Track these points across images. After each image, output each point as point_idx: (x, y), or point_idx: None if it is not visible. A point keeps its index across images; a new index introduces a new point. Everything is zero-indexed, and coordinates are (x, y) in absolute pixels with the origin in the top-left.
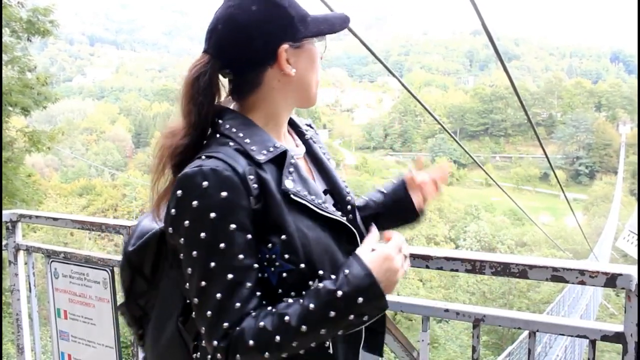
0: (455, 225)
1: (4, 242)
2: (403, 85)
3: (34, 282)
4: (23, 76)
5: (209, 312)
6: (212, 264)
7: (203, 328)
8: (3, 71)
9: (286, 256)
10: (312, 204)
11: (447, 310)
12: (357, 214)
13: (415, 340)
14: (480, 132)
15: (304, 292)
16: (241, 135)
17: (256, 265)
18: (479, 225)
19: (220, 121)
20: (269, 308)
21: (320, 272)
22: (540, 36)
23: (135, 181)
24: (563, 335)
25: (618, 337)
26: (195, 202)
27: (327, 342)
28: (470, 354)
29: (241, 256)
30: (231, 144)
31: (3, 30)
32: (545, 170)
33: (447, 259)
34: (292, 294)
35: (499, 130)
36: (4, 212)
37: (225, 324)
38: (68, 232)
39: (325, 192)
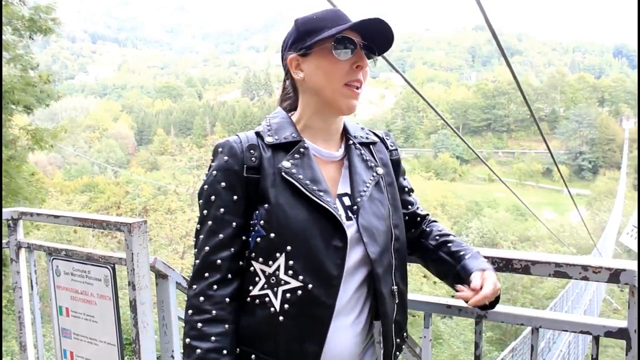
0: (458, 221)
1: (5, 240)
2: (406, 81)
3: (35, 280)
4: (25, 74)
5: (195, 250)
6: (205, 211)
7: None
8: (5, 69)
9: (262, 223)
10: (299, 184)
11: (449, 307)
12: (368, 219)
13: (418, 337)
14: (483, 127)
15: (270, 262)
16: (269, 125)
17: (235, 224)
18: (482, 221)
19: (267, 115)
20: (226, 299)
21: (289, 247)
22: (542, 31)
23: (138, 178)
24: (566, 331)
25: (622, 333)
26: (212, 164)
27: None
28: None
29: (222, 210)
30: (258, 128)
31: (5, 29)
32: (548, 166)
33: None
34: (260, 259)
35: (502, 126)
36: (5, 209)
37: (197, 262)
38: (71, 229)
39: (343, 195)
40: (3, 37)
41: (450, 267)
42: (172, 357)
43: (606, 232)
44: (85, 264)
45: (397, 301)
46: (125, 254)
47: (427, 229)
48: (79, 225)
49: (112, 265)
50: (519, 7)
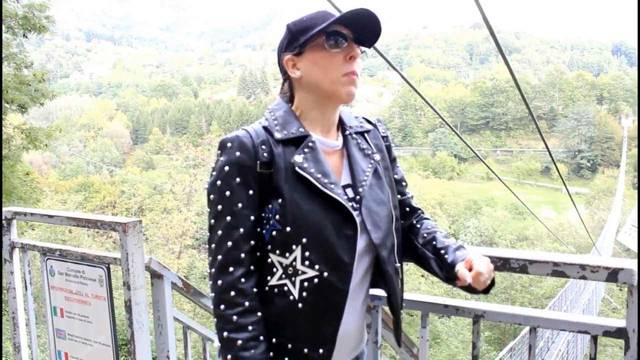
0: (456, 220)
1: None
2: (404, 78)
3: (29, 280)
4: (19, 73)
5: (212, 245)
6: (220, 206)
7: (209, 258)
8: None
9: (277, 217)
10: (312, 177)
11: (446, 306)
12: (370, 207)
13: (416, 337)
14: (481, 125)
15: (287, 253)
16: (274, 117)
17: (252, 218)
18: (480, 219)
19: (268, 107)
20: (254, 289)
21: (304, 239)
22: (541, 29)
23: (133, 178)
24: (564, 330)
25: (620, 333)
26: (221, 158)
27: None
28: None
29: (240, 205)
30: (263, 122)
31: None
32: (546, 164)
33: None
34: (277, 251)
35: (500, 124)
36: None
37: (219, 257)
38: (66, 229)
39: (346, 186)
40: None
41: (435, 264)
42: (168, 357)
43: (605, 230)
44: (80, 264)
45: (400, 277)
46: (120, 253)
47: (417, 225)
48: (74, 225)
49: (106, 265)
50: (517, 4)
